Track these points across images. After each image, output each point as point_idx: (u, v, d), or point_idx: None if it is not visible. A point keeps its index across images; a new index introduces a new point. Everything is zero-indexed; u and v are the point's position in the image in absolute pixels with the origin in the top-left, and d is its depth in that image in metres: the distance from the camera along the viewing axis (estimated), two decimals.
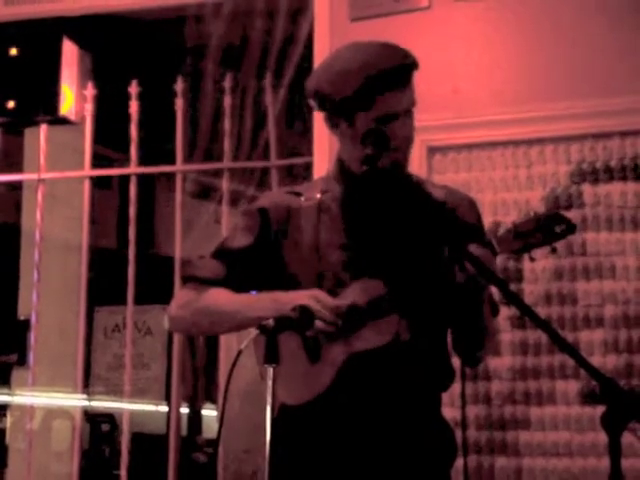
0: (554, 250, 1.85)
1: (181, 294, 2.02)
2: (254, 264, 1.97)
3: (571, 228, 1.84)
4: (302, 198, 1.99)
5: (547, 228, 1.82)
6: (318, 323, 1.79)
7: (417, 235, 1.92)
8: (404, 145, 1.92)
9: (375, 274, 1.86)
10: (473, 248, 1.78)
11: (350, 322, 1.83)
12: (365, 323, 1.84)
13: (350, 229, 1.95)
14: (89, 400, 4.38)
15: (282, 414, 1.88)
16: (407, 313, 1.86)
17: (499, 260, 1.94)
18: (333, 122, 1.95)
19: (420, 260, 1.85)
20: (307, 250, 1.94)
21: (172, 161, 3.45)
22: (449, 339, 1.99)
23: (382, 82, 1.86)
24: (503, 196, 2.83)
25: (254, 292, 1.96)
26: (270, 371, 1.63)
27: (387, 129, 1.87)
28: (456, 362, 2.00)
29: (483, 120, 2.84)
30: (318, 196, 1.98)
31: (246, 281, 1.96)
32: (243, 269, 1.97)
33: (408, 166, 2.00)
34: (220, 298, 1.94)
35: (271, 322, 1.66)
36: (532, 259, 1.86)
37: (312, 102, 1.96)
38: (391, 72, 1.86)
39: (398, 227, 1.94)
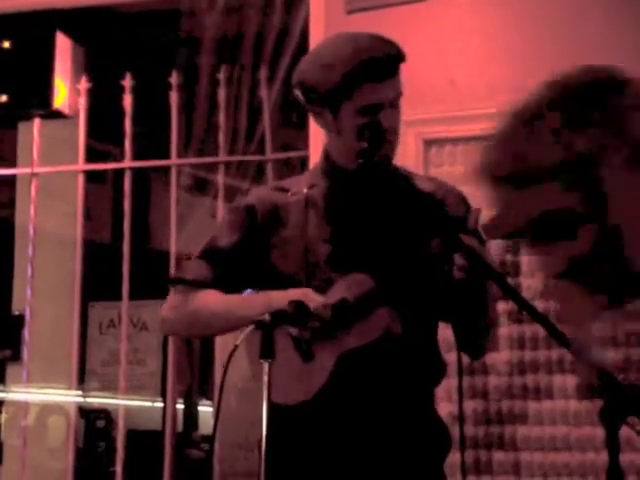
0: None
1: (171, 298, 2.01)
2: (242, 262, 1.96)
3: None
4: (289, 194, 1.98)
5: None
6: (311, 320, 1.78)
7: (407, 227, 1.91)
8: (390, 137, 1.90)
9: (364, 268, 1.85)
10: (466, 239, 1.76)
11: (342, 318, 1.81)
12: (356, 318, 1.82)
13: (338, 223, 1.94)
14: (84, 396, 4.36)
15: (275, 414, 1.86)
16: (398, 305, 1.84)
17: (496, 253, 1.92)
18: (317, 113, 1.94)
19: (409, 252, 1.84)
20: (295, 246, 1.92)
21: (167, 155, 3.43)
22: (449, 332, 1.97)
23: (365, 71, 1.85)
24: None
25: (249, 291, 1.94)
26: (265, 366, 1.61)
27: (370, 119, 1.86)
28: (452, 357, 1.98)
29: (479, 113, 2.82)
30: (305, 191, 1.97)
31: (235, 280, 1.95)
32: (231, 268, 1.96)
33: (399, 159, 1.98)
34: (209, 300, 1.93)
35: (267, 317, 1.65)
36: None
37: (297, 93, 1.95)
38: (375, 62, 1.86)
39: (388, 220, 1.93)
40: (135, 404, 4.38)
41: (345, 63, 1.85)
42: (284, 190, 1.99)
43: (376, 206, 1.94)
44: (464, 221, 1.89)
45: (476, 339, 1.95)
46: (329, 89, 1.87)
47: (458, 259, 1.74)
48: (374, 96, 1.86)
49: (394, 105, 1.90)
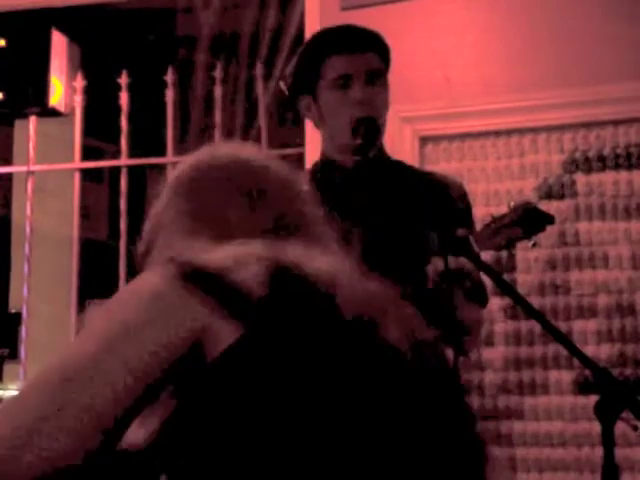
0: (534, 244, 1.84)
1: None
2: None
3: (549, 219, 1.83)
4: None
5: (526, 221, 1.81)
6: None
7: (405, 224, 1.91)
8: (369, 112, 1.91)
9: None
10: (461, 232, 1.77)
11: None
12: None
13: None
14: None
15: None
16: None
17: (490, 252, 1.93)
18: (304, 107, 1.99)
19: (404, 254, 1.84)
20: None
21: (163, 153, 3.43)
22: None
23: (328, 44, 1.93)
24: (496, 186, 2.82)
25: None
26: None
27: (345, 94, 1.89)
28: (449, 352, 1.99)
29: (475, 109, 2.83)
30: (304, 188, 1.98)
31: None
32: None
33: (395, 155, 2.00)
34: None
35: None
36: (534, 244, 1.84)
37: (284, 88, 2.01)
38: (336, 35, 1.94)
39: (385, 217, 1.93)
40: None
41: (309, 42, 1.99)
42: None
43: (374, 203, 1.95)
44: (464, 216, 1.90)
45: (449, 339, 1.95)
46: (301, 71, 1.95)
47: (430, 271, 1.75)
48: (340, 67, 1.92)
49: (370, 82, 1.93)
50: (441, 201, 1.95)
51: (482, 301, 2.00)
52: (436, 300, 1.81)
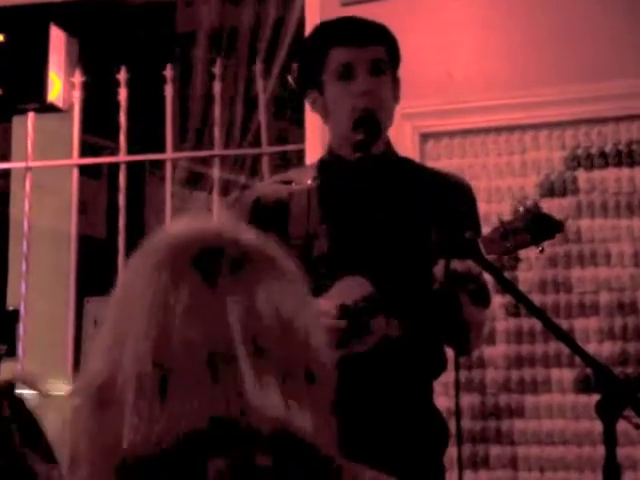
0: (542, 250, 1.82)
1: None
2: None
3: (559, 227, 1.81)
4: (292, 184, 1.99)
5: (535, 228, 1.78)
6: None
7: (406, 221, 1.90)
8: (372, 103, 1.90)
9: (362, 266, 1.84)
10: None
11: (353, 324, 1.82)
12: (359, 324, 1.82)
13: (337, 217, 1.94)
14: None
15: None
16: (395, 309, 1.84)
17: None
18: (311, 100, 1.99)
19: (408, 251, 1.83)
20: (297, 239, 1.92)
21: (162, 149, 3.41)
22: None
23: (330, 35, 1.95)
24: (497, 183, 2.81)
25: None
26: None
27: (347, 85, 1.88)
28: (450, 350, 1.97)
29: (477, 106, 2.81)
30: (309, 182, 1.97)
31: None
32: None
33: (389, 133, 2.00)
34: None
35: None
36: (542, 251, 1.82)
37: (292, 82, 2.02)
38: (336, 25, 1.96)
39: (387, 213, 1.92)
40: None
41: (312, 34, 2.00)
42: (287, 183, 2.00)
43: (376, 198, 1.94)
44: (470, 216, 1.89)
45: (455, 340, 1.94)
46: (305, 65, 1.97)
47: (437, 272, 1.74)
48: (342, 57, 1.92)
49: (374, 73, 1.92)
50: (446, 200, 1.94)
51: (485, 303, 1.98)
52: (441, 301, 1.79)
